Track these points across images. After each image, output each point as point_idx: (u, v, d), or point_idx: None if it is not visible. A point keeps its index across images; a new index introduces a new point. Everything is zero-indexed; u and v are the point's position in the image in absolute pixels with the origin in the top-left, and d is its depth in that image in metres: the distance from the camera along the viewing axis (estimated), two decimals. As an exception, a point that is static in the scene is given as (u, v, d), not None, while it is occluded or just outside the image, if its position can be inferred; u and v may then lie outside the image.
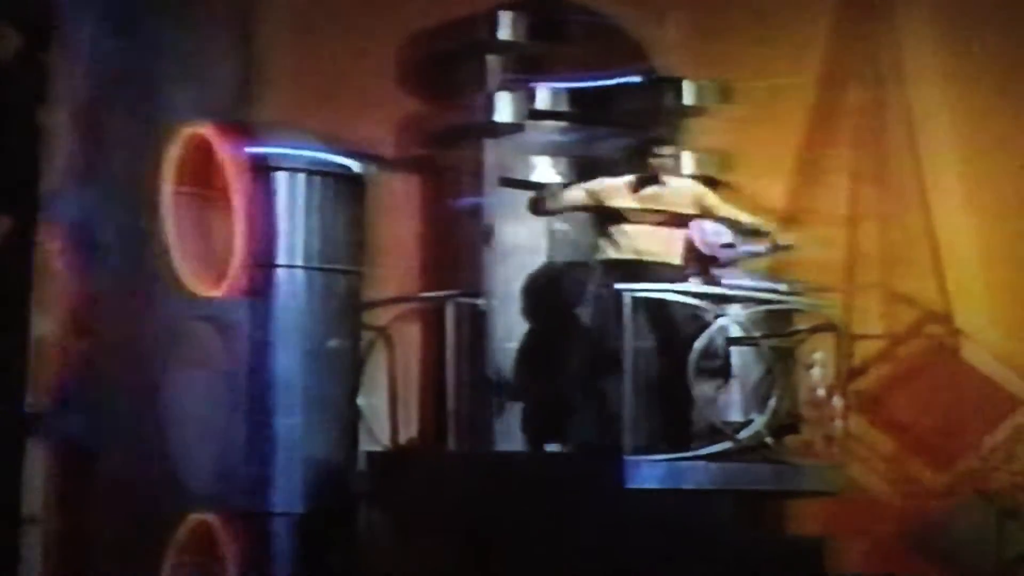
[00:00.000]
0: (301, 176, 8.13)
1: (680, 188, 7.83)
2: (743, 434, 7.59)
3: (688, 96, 8.54)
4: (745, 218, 7.87)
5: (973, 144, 9.27)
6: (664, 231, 7.76)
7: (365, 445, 8.24)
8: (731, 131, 8.70)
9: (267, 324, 8.05)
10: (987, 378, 9.28)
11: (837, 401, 7.88)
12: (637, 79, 8.52)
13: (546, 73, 8.51)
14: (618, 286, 7.51)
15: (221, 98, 8.12)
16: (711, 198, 7.85)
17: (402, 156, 8.62)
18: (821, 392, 7.91)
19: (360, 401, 8.27)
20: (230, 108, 8.12)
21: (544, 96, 8.46)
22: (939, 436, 9.27)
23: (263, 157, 8.07)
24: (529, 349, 8.29)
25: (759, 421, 7.62)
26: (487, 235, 8.25)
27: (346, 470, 8.14)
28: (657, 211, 7.74)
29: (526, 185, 8.37)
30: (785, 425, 7.85)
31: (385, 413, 8.29)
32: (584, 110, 8.55)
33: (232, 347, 8.04)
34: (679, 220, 7.80)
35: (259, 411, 8.01)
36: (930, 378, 9.39)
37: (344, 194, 8.23)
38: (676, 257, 7.78)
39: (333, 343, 8.16)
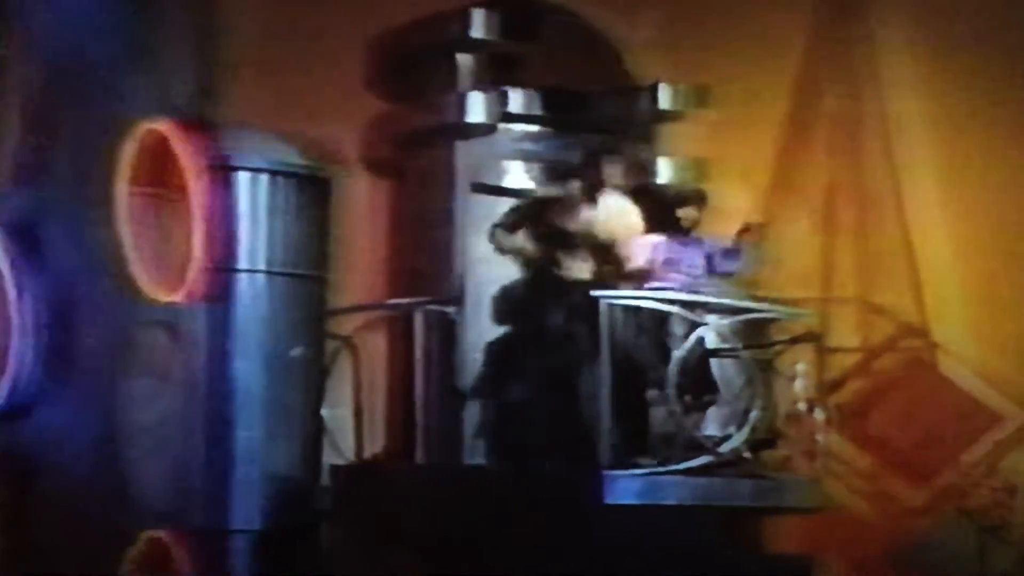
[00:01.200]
0: (264, 177, 7.92)
1: (612, 210, 7.79)
2: (724, 448, 7.49)
3: (664, 100, 8.44)
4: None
5: (951, 154, 9.32)
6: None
7: (329, 459, 8.09)
8: (705, 137, 8.62)
9: (227, 331, 7.83)
10: (965, 393, 9.30)
11: (818, 414, 7.80)
12: (612, 83, 8.42)
13: (519, 75, 8.36)
14: (594, 293, 7.42)
15: (181, 94, 7.92)
16: (635, 218, 7.81)
17: (370, 158, 8.47)
18: (801, 406, 7.84)
19: (324, 413, 8.10)
20: (190, 104, 7.90)
21: (517, 99, 8.31)
22: (917, 451, 9.28)
23: (224, 156, 7.83)
24: (497, 361, 8.12)
25: (740, 435, 7.53)
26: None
27: (309, 485, 7.96)
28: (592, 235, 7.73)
29: (498, 191, 8.24)
30: (763, 439, 7.77)
31: (350, 425, 8.17)
32: (558, 114, 8.41)
33: (189, 355, 7.81)
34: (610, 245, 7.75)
35: (217, 422, 7.79)
36: (908, 392, 9.42)
37: (308, 196, 8.02)
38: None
39: (296, 352, 7.95)
